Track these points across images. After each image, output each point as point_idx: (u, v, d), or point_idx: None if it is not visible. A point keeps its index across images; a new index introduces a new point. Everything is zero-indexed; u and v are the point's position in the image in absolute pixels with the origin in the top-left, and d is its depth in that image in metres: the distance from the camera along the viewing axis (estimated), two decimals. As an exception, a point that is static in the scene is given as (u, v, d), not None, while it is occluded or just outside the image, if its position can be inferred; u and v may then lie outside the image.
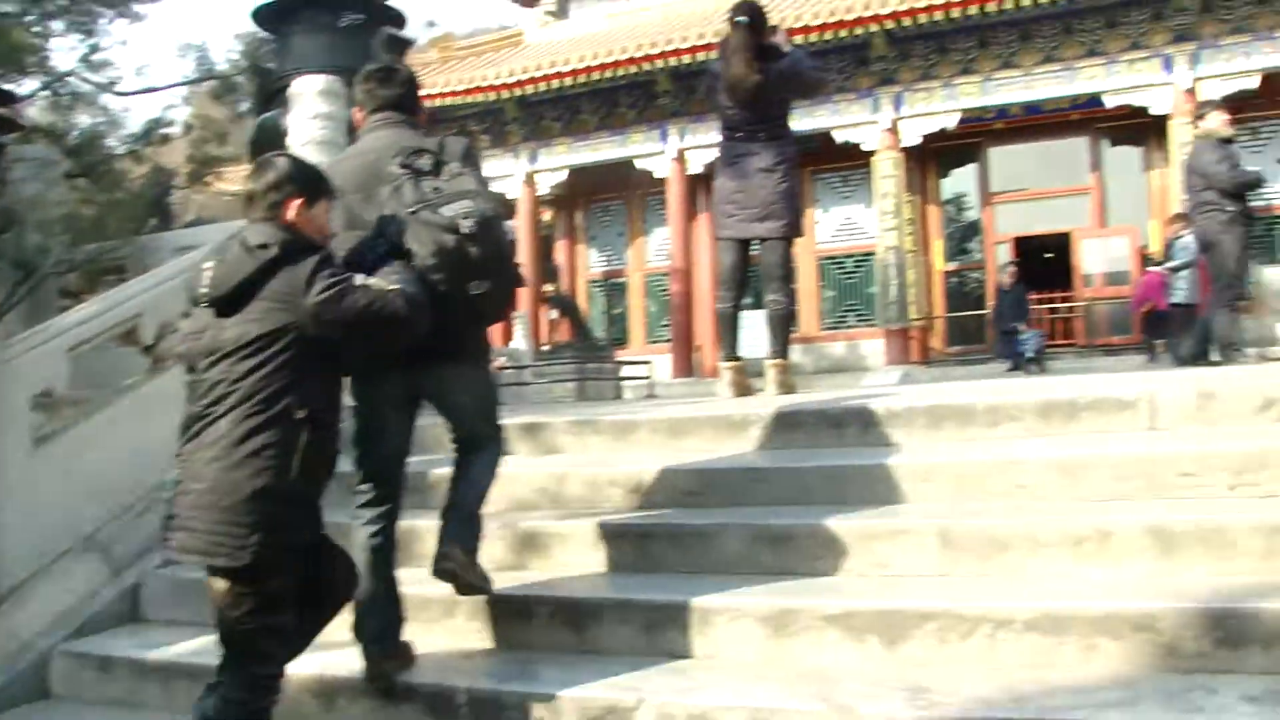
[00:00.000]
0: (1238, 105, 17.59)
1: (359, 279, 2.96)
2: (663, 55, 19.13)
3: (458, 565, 3.33)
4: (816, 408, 4.29)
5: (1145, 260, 17.71)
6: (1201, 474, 3.33)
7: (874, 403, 4.28)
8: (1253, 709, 2.56)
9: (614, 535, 3.82)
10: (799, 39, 17.97)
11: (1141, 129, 19.35)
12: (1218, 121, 8.54)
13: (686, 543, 3.70)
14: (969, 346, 20.33)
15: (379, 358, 3.19)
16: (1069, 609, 2.92)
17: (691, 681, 3.12)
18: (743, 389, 5.86)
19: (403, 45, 8.65)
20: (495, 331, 19.95)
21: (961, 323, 20.58)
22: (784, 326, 5.96)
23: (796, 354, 21.12)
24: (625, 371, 17.97)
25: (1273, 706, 2.55)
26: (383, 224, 3.18)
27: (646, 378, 18.23)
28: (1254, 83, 17.71)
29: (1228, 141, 8.42)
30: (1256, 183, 8.30)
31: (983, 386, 5.33)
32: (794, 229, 5.96)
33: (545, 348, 18.91)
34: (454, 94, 21.14)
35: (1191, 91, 17.75)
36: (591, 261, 23.92)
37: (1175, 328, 14.97)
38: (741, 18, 5.78)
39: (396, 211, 3.17)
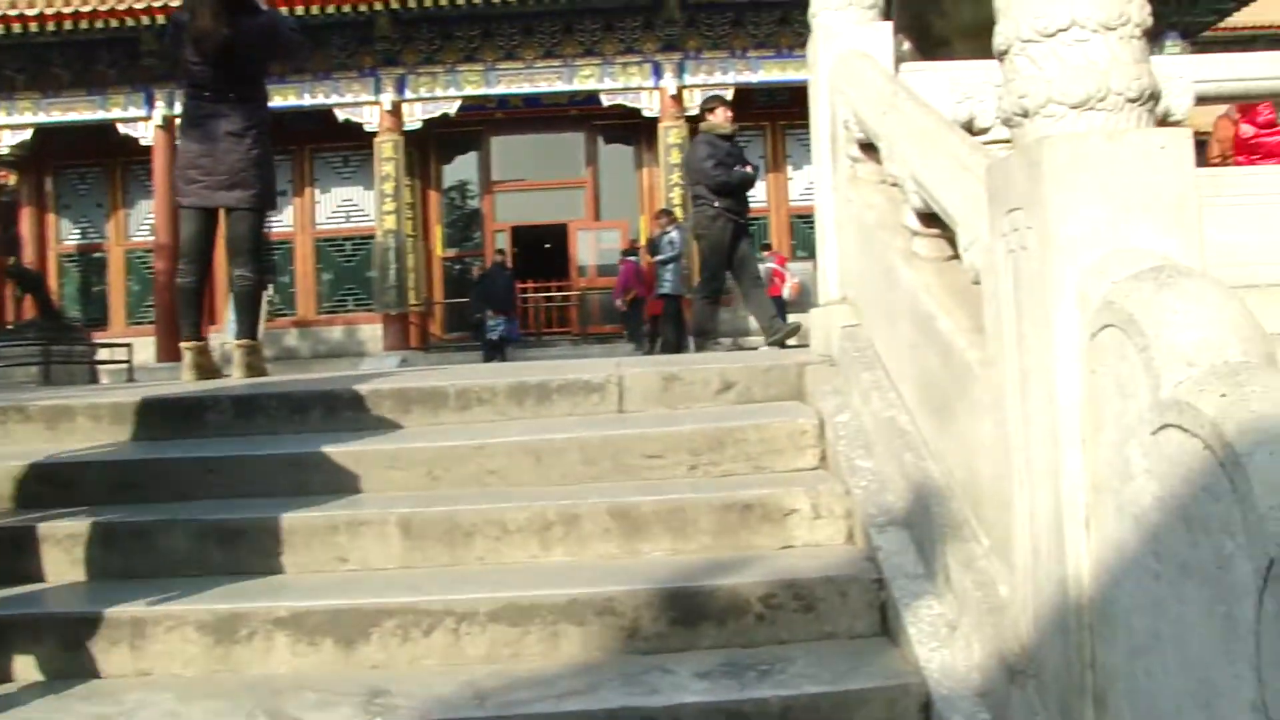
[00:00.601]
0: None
1: None
2: (149, 10, 17.55)
3: None
4: (279, 391, 3.95)
5: (624, 251, 18.74)
6: (665, 455, 3.39)
7: (340, 386, 4.02)
8: (705, 685, 2.59)
9: (29, 539, 3.28)
10: (300, 10, 17.30)
11: (634, 129, 20.46)
12: (721, 117, 8.67)
13: (123, 543, 3.23)
14: (468, 333, 20.54)
15: None
16: (533, 597, 2.83)
17: (118, 706, 2.70)
18: (206, 372, 5.36)
19: None
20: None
21: (461, 309, 20.74)
22: (252, 304, 5.49)
23: (292, 338, 20.50)
24: (103, 355, 16.39)
25: (723, 680, 2.60)
26: None
27: (126, 361, 16.72)
28: (729, 95, 19.17)
29: (727, 138, 8.56)
30: (742, 183, 8.29)
31: (458, 370, 5.22)
32: (265, 199, 5.53)
33: (9, 327, 16.77)
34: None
35: (677, 98, 19.04)
36: (64, 233, 21.61)
37: (663, 317, 16.04)
38: None
39: None
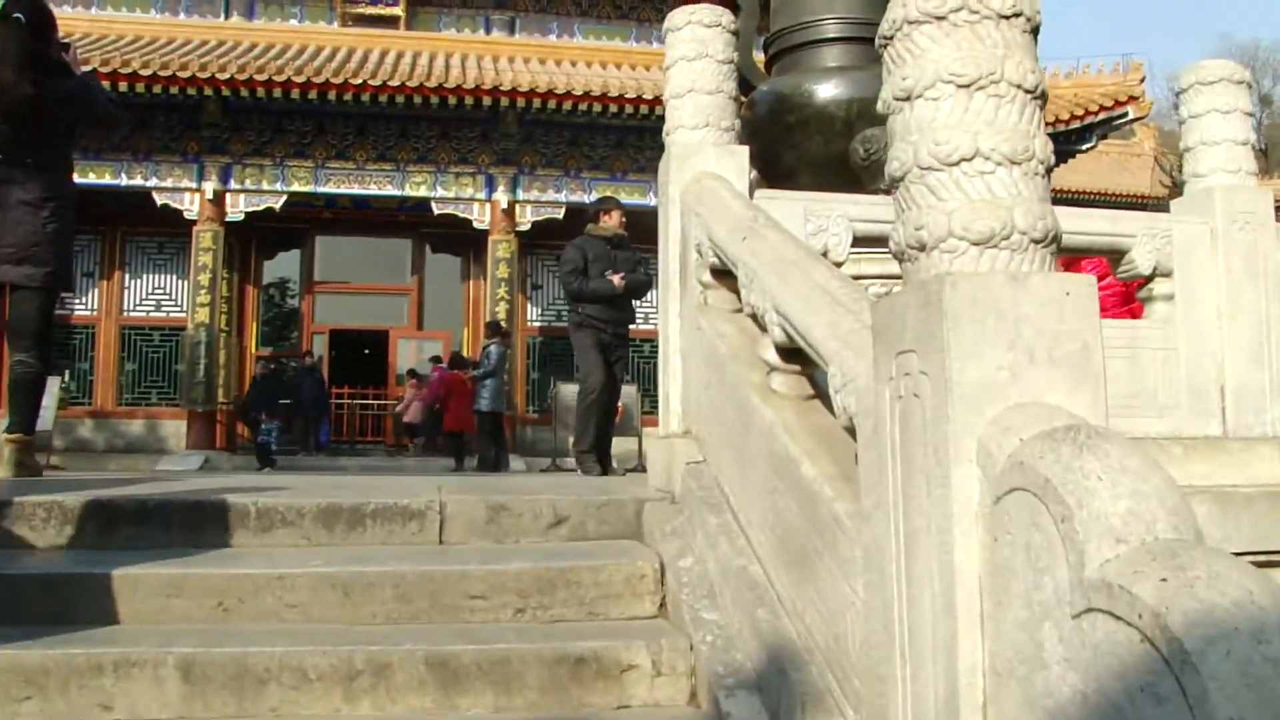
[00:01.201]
0: (547, 232, 19.22)
1: None
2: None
3: None
4: (45, 498, 3.41)
5: (435, 358, 18.39)
6: (491, 596, 3.03)
7: (121, 495, 3.52)
8: None
9: None
10: (124, 86, 16.62)
11: (463, 239, 20.22)
12: (614, 220, 7.95)
13: None
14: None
15: None
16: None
17: None
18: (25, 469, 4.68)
19: None
20: None
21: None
22: (32, 395, 4.84)
23: (87, 429, 19.23)
24: None
25: None
26: None
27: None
28: (560, 213, 19.24)
29: (610, 241, 7.73)
30: (595, 294, 7.38)
31: (262, 482, 4.74)
32: (60, 279, 4.92)
33: None
34: None
35: (509, 211, 18.93)
36: None
37: (480, 433, 15.66)
38: (17, 13, 4.71)
39: None
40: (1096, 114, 19.70)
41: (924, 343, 1.87)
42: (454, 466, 15.61)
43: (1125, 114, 20.03)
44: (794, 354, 2.90)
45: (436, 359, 18.39)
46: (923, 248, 1.98)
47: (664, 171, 4.18)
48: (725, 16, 4.25)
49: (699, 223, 3.74)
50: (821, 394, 2.98)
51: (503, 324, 16.97)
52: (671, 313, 4.02)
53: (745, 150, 4.11)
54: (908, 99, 2.05)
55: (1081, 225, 4.27)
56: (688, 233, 3.90)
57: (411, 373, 19.46)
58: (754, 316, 3.15)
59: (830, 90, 5.13)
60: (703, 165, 3.99)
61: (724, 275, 3.60)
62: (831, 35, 5.36)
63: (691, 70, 4.14)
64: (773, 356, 2.99)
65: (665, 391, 4.04)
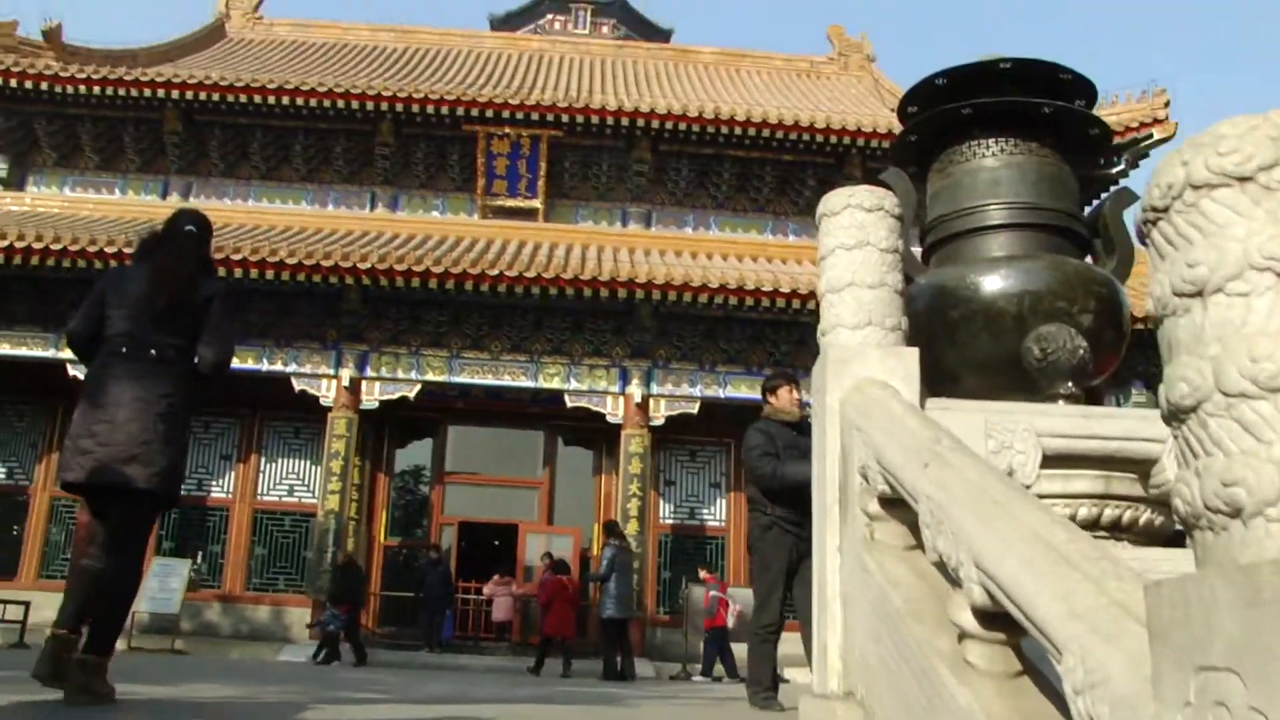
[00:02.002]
0: (679, 426, 18.76)
1: None
2: (119, 257, 17.12)
3: None
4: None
5: (547, 555, 17.84)
6: None
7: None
8: None
9: None
10: (270, 275, 17.01)
11: (596, 433, 19.89)
12: (785, 400, 6.80)
13: None
14: (403, 628, 19.14)
15: None
16: None
17: None
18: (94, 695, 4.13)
19: None
20: None
21: (397, 602, 19.40)
22: (116, 611, 4.35)
23: (214, 612, 19.03)
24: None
25: None
26: None
27: (20, 621, 15.28)
28: (694, 408, 18.80)
29: (793, 426, 6.63)
30: (795, 482, 6.09)
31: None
32: (168, 483, 4.42)
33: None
34: None
35: (642, 405, 18.56)
36: (-13, 471, 20.47)
37: (605, 640, 14.83)
38: (190, 225, 4.75)
39: None
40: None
41: (1254, 664, 1.22)
42: (533, 669, 14.73)
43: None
44: (997, 618, 2.24)
45: (548, 556, 17.87)
46: (1236, 513, 1.35)
47: (819, 377, 3.60)
48: (888, 200, 3.74)
49: (863, 440, 3.13)
50: (1031, 667, 2.30)
51: (619, 525, 16.33)
52: (829, 546, 3.36)
53: (914, 353, 3.52)
54: (1198, 294, 1.45)
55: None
56: (849, 451, 3.28)
57: (548, 554, 18.85)
58: (940, 564, 2.50)
59: (998, 282, 4.52)
60: (865, 370, 3.41)
61: (895, 504, 2.97)
62: (997, 222, 4.79)
63: (851, 261, 3.62)
64: (968, 621, 2.32)
65: (822, 641, 3.34)
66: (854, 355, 3.46)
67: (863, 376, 3.38)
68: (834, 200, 3.74)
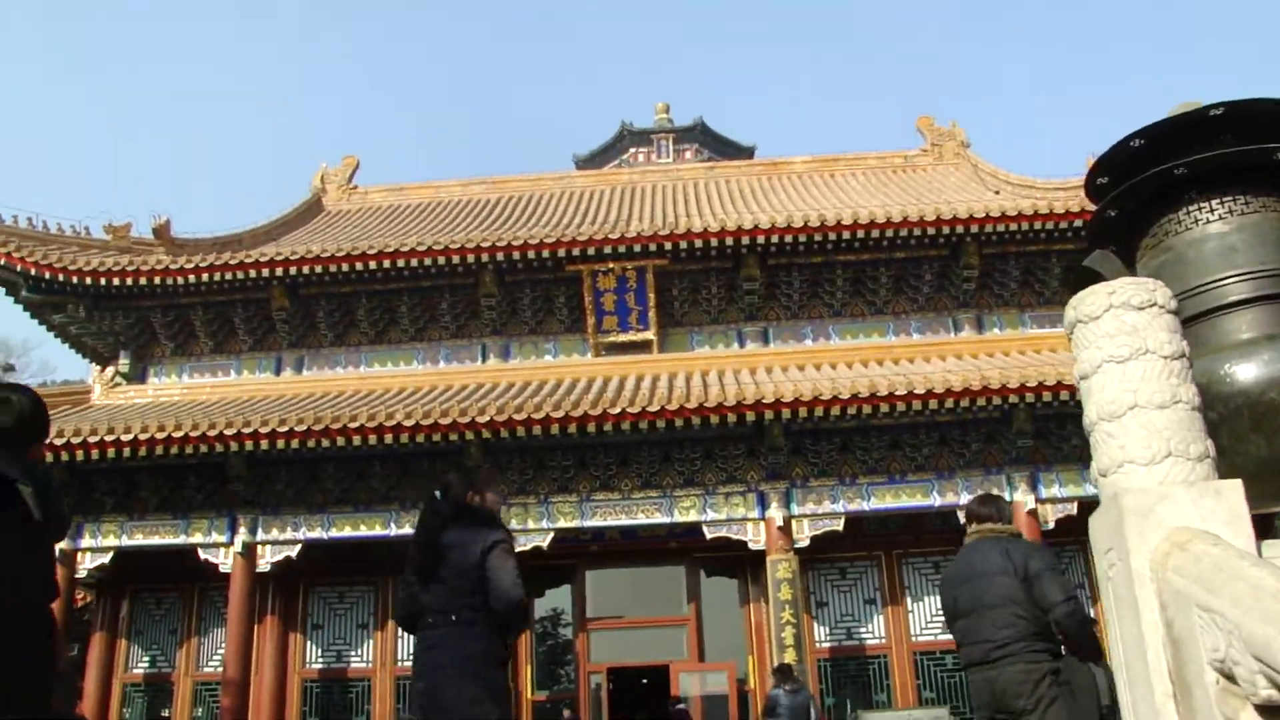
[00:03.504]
0: (825, 545, 17.85)
1: None
2: (238, 438, 17.02)
3: None
4: None
5: (677, 700, 16.91)
6: None
7: None
8: None
9: None
10: (389, 439, 16.73)
11: (739, 561, 19.09)
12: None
13: None
14: (558, 789, 18.30)
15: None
16: None
17: None
18: None
19: None
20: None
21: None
22: None
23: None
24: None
25: None
26: None
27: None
28: (839, 524, 17.92)
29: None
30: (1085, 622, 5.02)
31: None
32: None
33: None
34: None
35: (785, 528, 17.72)
36: (133, 660, 20.33)
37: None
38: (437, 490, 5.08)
39: None
40: None
41: None
42: None
43: None
44: None
45: (678, 701, 16.94)
46: None
47: (1106, 531, 2.86)
48: (1160, 291, 3.02)
49: (1214, 623, 2.37)
50: None
51: (792, 668, 15.29)
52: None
53: (1237, 488, 2.75)
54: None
55: None
56: (1184, 635, 2.52)
57: (676, 700, 17.96)
58: None
59: (1259, 370, 3.70)
60: (1176, 518, 2.66)
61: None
62: (1241, 296, 3.97)
63: (1128, 377, 2.90)
64: None
65: None
66: (1157, 500, 2.71)
67: (1175, 527, 2.63)
68: (1091, 303, 3.03)
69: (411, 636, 4.91)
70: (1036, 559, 5.06)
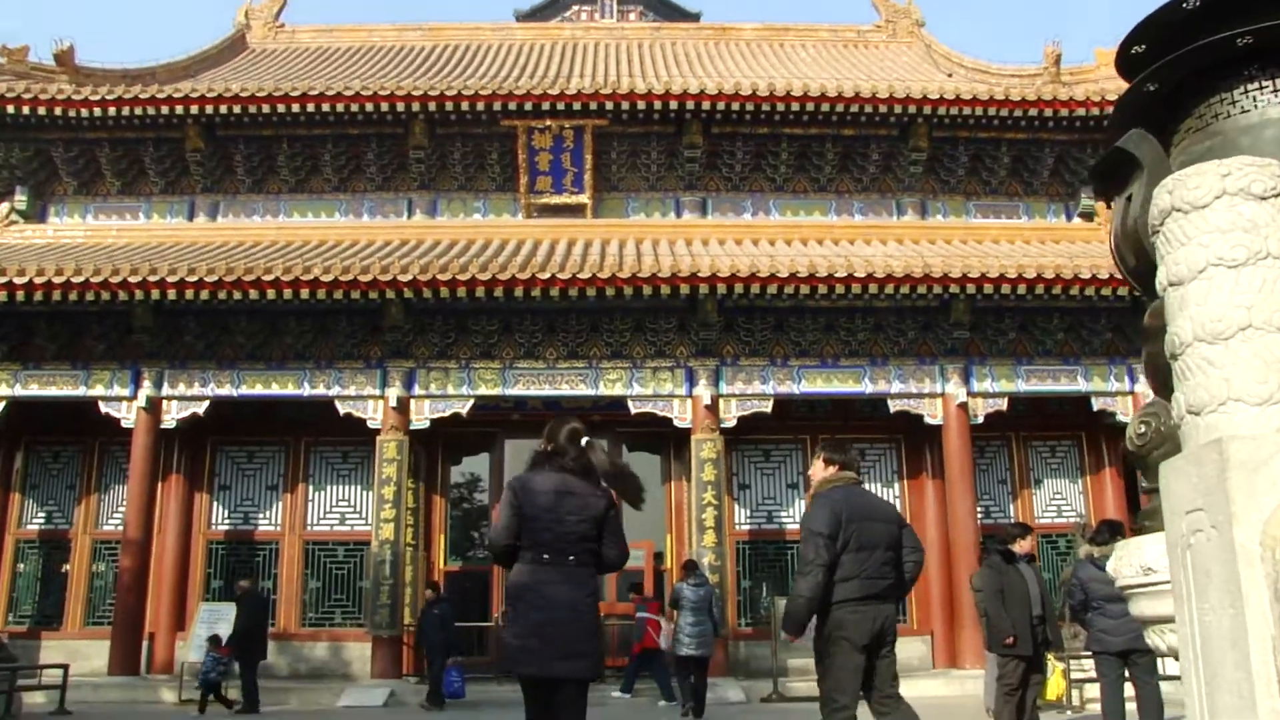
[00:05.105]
0: (751, 426, 17.42)
1: None
2: (143, 285, 16.01)
3: None
4: None
5: (635, 587, 16.70)
6: None
7: None
8: None
9: None
10: (305, 294, 15.87)
11: (662, 438, 18.68)
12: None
13: None
14: (470, 657, 17.89)
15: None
16: None
17: None
18: None
19: None
20: None
21: (464, 632, 18.06)
22: None
23: (270, 652, 17.72)
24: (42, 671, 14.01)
25: None
26: None
27: (59, 686, 14.17)
28: (768, 406, 17.51)
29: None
30: None
31: None
32: (601, 666, 5.36)
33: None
34: None
35: (712, 407, 17.23)
36: (28, 516, 19.46)
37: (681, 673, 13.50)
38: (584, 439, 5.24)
39: None
40: None
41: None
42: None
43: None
44: None
45: (636, 588, 16.61)
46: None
47: (1189, 485, 2.17)
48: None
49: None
50: None
51: (697, 564, 14.85)
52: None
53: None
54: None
55: None
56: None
57: (635, 588, 17.60)
58: None
59: None
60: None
61: None
62: None
63: (1240, 288, 2.22)
64: None
65: None
66: (1276, 452, 2.06)
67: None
68: (1194, 186, 2.32)
69: (496, 561, 5.79)
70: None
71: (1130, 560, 3.10)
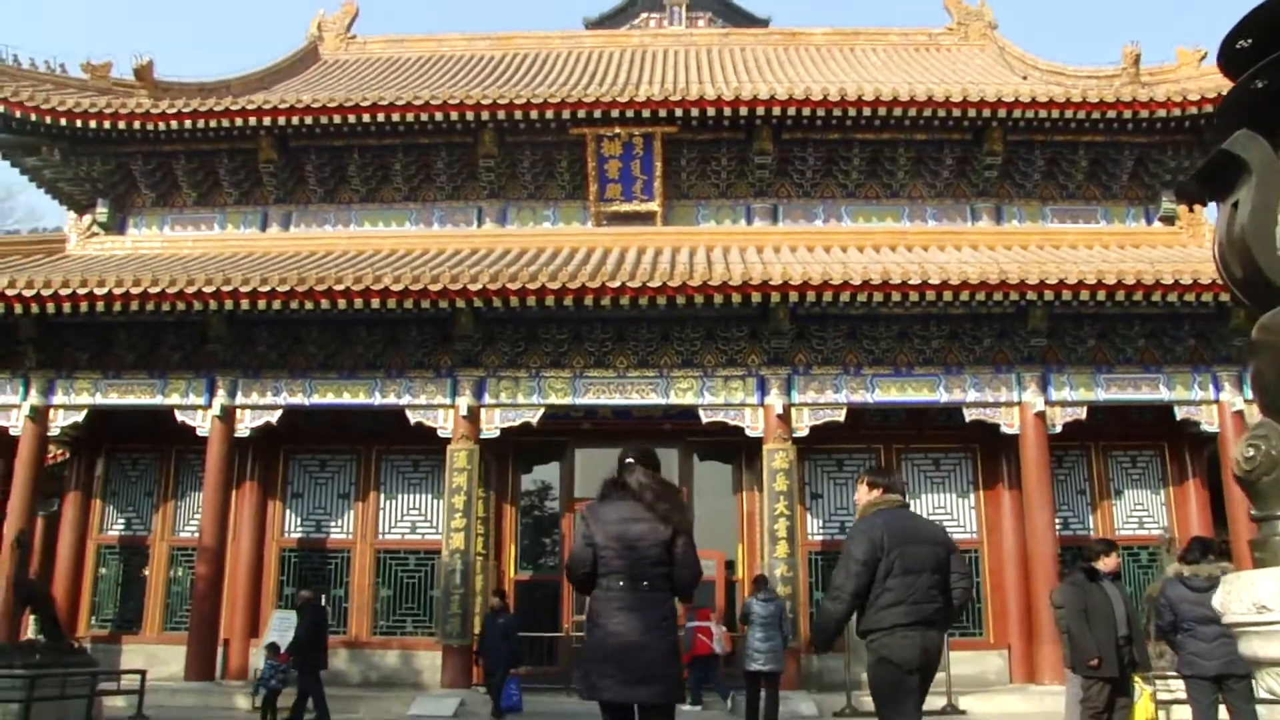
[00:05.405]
0: (823, 435, 17.20)
1: None
2: (217, 296, 16.20)
3: None
4: None
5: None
6: None
7: None
8: None
9: None
10: (376, 303, 15.95)
11: (733, 447, 18.54)
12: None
13: None
14: (539, 668, 17.91)
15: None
16: None
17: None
18: None
19: None
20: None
21: (533, 643, 18.07)
22: None
23: (341, 660, 17.86)
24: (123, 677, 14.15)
25: None
26: None
27: (136, 692, 14.28)
28: (840, 415, 17.27)
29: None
30: None
31: None
32: (680, 691, 5.24)
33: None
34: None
35: (784, 417, 17.02)
36: (108, 523, 19.80)
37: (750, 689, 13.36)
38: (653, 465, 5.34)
39: None
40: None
41: None
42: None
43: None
44: None
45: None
46: None
47: None
48: None
49: None
50: None
51: (767, 579, 14.69)
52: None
53: None
54: None
55: None
56: None
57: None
58: None
59: None
60: None
61: None
62: None
63: None
64: None
65: None
66: None
67: None
68: None
69: (575, 589, 5.67)
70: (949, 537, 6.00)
71: (1241, 596, 2.94)
